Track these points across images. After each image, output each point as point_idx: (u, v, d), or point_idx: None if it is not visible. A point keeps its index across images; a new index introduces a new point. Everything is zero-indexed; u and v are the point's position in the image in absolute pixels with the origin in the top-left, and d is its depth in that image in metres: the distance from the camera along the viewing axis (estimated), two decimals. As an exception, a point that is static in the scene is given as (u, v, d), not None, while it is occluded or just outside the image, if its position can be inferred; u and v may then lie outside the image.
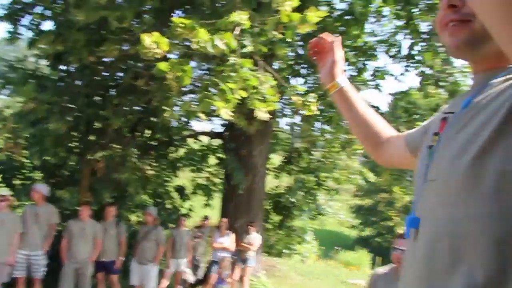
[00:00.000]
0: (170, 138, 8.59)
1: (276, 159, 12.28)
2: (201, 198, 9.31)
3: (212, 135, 10.25)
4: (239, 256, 7.88)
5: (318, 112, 7.52)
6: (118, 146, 8.06)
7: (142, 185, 8.31)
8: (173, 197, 9.44)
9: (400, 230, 3.37)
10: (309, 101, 6.25)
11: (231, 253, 7.62)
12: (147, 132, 8.73)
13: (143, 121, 8.19)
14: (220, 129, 10.56)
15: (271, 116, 5.95)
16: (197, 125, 12.66)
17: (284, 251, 11.69)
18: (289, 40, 5.57)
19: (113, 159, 7.98)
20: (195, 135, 9.93)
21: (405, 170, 8.95)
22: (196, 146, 9.81)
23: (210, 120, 9.67)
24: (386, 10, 9.34)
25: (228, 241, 7.68)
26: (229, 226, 7.98)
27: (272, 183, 11.41)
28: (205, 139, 10.18)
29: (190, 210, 9.39)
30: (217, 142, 10.35)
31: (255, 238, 8.03)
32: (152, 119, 8.01)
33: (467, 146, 0.80)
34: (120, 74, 8.00)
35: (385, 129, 1.32)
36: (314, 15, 4.78)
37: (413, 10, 8.09)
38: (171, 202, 9.32)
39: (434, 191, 0.86)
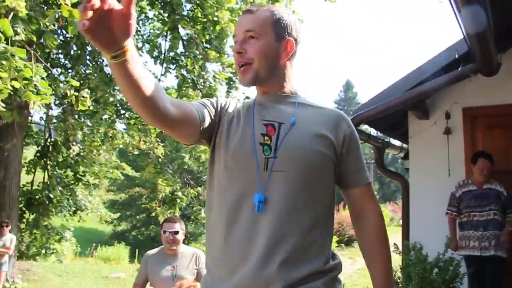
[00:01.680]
0: None
1: (28, 153, 11.31)
2: None
3: (-49, 125, 8.85)
4: (-8, 261, 7.14)
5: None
6: None
7: None
8: None
9: (163, 217, 3.85)
10: (84, 96, 6.27)
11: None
12: None
13: None
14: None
15: (45, 110, 5.72)
16: None
17: (41, 251, 10.89)
18: (71, 35, 5.51)
19: None
20: None
21: (167, 164, 9.59)
22: None
23: None
24: (151, 13, 9.87)
25: (-23, 245, 6.88)
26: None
27: (24, 179, 10.48)
28: None
29: None
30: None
31: (11, 240, 7.39)
32: None
33: (311, 147, 1.27)
34: None
35: (162, 93, 1.18)
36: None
37: (177, 18, 8.78)
38: None
39: (282, 178, 1.24)
